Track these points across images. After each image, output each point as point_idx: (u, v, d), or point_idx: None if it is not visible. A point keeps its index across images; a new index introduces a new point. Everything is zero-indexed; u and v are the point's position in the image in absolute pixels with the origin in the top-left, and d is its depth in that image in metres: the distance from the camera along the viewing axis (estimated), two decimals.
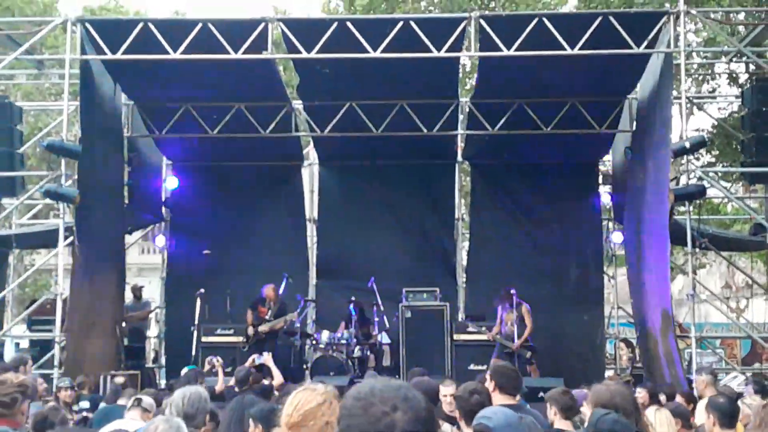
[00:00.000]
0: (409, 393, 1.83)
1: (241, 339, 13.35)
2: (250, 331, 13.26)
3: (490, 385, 5.20)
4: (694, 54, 16.71)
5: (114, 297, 13.59)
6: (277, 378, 9.19)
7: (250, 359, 9.44)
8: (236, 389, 7.89)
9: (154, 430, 4.01)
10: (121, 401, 7.26)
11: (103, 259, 13.14)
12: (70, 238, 12.25)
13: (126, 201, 14.30)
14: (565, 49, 11.53)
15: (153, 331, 18.56)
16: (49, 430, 5.06)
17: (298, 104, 14.82)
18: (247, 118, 14.20)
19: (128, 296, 15.08)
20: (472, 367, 12.91)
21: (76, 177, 12.26)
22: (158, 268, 17.12)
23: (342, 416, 1.82)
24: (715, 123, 17.72)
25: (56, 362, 11.57)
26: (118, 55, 11.94)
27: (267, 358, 9.57)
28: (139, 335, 15.41)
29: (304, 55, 11.91)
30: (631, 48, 11.69)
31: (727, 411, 5.57)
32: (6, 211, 14.40)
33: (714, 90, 20.49)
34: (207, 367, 9.74)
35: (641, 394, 8.04)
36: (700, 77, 19.86)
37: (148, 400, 5.84)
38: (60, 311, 11.89)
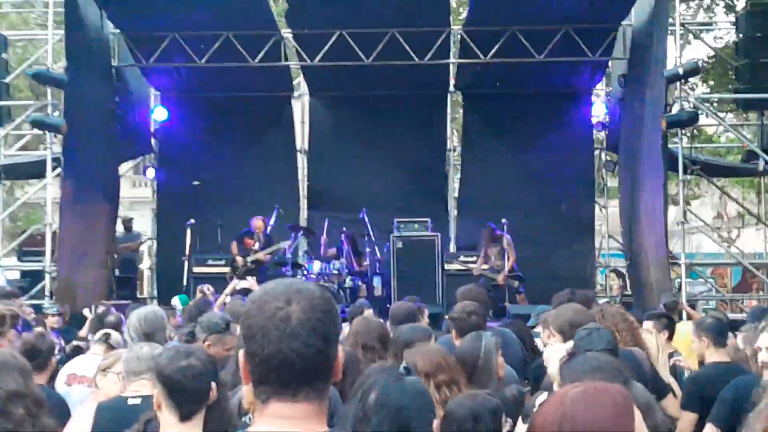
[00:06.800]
0: (301, 286, 1.88)
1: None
2: (239, 261, 13.25)
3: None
4: None
5: (105, 228, 13.55)
6: None
7: (231, 285, 9.34)
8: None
9: (144, 351, 3.99)
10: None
11: (94, 189, 13.08)
12: (59, 169, 12.15)
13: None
14: None
15: (146, 263, 18.60)
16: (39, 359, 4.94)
17: (287, 33, 14.57)
18: (236, 48, 13.91)
19: (119, 229, 15.06)
20: None
21: (62, 106, 12.10)
22: (150, 201, 17.05)
23: (243, 320, 1.86)
24: (711, 53, 17.50)
25: (47, 292, 11.60)
26: None
27: (252, 283, 9.52)
28: (131, 266, 15.46)
29: None
30: None
31: (719, 329, 5.54)
32: None
33: (711, 19, 20.19)
34: (198, 295, 9.68)
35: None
36: (696, 5, 19.56)
37: (116, 337, 5.68)
38: (50, 242, 11.87)
